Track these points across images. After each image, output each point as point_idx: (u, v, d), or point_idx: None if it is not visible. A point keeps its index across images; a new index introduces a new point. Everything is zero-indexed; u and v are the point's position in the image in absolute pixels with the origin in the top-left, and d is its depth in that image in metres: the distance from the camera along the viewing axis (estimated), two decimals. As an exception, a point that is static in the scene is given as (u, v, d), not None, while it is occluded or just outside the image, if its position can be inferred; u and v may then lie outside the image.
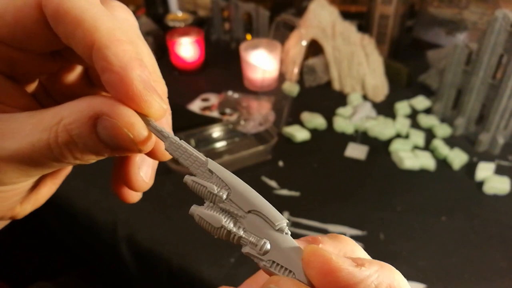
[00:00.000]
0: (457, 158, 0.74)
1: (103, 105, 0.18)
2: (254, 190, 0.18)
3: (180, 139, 0.20)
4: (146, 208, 0.65)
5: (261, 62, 0.96)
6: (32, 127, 0.18)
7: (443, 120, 0.86)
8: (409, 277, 0.54)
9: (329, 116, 0.86)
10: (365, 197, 0.68)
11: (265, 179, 0.71)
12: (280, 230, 0.17)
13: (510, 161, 0.76)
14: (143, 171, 0.23)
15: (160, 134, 0.20)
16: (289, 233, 0.18)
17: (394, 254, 0.58)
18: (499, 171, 0.72)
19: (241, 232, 0.18)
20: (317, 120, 0.85)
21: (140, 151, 0.19)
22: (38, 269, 0.90)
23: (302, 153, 0.79)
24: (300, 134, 0.81)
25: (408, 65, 0.99)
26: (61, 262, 0.89)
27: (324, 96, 0.96)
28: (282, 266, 0.17)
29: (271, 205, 0.18)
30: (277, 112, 0.88)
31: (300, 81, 1.00)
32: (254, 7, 1.09)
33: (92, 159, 0.20)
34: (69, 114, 0.18)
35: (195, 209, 0.19)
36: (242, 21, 1.15)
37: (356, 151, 0.78)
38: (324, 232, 0.61)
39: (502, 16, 0.69)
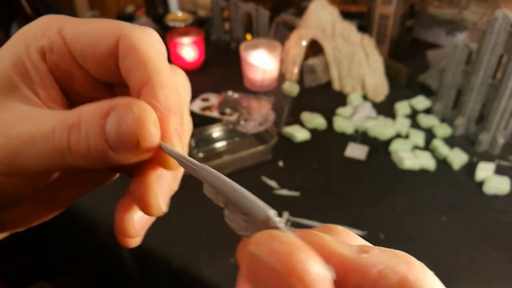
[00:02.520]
0: (457, 158, 0.74)
1: (121, 100, 0.18)
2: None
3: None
4: (146, 208, 0.65)
5: (261, 62, 0.96)
6: (49, 118, 0.18)
7: (443, 120, 0.86)
8: (409, 277, 0.54)
9: (329, 116, 0.86)
10: (365, 197, 0.68)
11: (265, 179, 0.71)
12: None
13: (510, 161, 0.76)
14: (161, 197, 0.21)
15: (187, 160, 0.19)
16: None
17: (394, 254, 0.58)
18: (499, 171, 0.72)
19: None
20: (317, 120, 0.85)
21: (144, 150, 0.18)
22: (38, 269, 0.90)
23: (302, 153, 0.79)
24: (300, 134, 0.81)
25: (408, 65, 0.99)
26: (61, 262, 0.89)
27: (324, 96, 0.96)
28: None
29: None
30: (277, 112, 0.88)
31: (300, 81, 1.00)
32: (254, 7, 1.09)
33: (84, 162, 0.18)
34: (87, 109, 0.18)
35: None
36: (242, 21, 1.15)
37: (356, 151, 0.78)
38: (324, 232, 0.61)
39: (502, 16, 0.69)
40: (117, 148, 0.17)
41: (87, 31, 0.20)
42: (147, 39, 0.20)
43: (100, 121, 0.17)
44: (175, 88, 0.20)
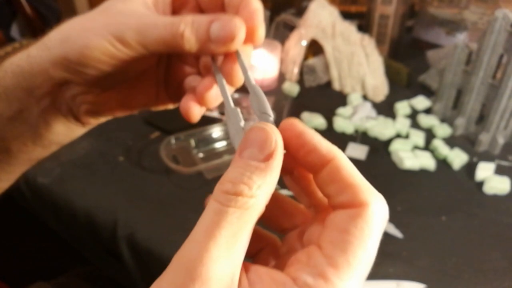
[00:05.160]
0: (457, 158, 0.74)
1: (223, 15, 0.27)
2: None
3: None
4: (146, 208, 0.65)
5: (261, 62, 0.96)
6: (167, 18, 0.27)
7: (443, 120, 0.86)
8: (409, 277, 0.54)
9: (329, 116, 0.86)
10: (365, 197, 0.68)
11: (265, 179, 0.71)
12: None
13: (510, 161, 0.76)
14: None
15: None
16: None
17: (394, 254, 0.58)
18: (499, 171, 0.72)
19: None
20: (317, 120, 0.85)
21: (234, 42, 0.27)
22: (38, 269, 0.90)
23: (302, 153, 0.78)
24: (300, 134, 0.81)
25: (408, 65, 0.99)
26: (61, 262, 0.89)
27: (324, 96, 0.96)
28: None
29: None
30: (277, 112, 0.88)
31: (300, 81, 1.00)
32: (254, 7, 1.08)
33: (186, 48, 0.28)
34: (199, 16, 0.28)
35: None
36: (242, 21, 1.15)
37: (356, 151, 0.78)
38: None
39: (502, 16, 0.69)
40: (216, 41, 0.27)
41: None
42: None
43: (207, 24, 0.27)
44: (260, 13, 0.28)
